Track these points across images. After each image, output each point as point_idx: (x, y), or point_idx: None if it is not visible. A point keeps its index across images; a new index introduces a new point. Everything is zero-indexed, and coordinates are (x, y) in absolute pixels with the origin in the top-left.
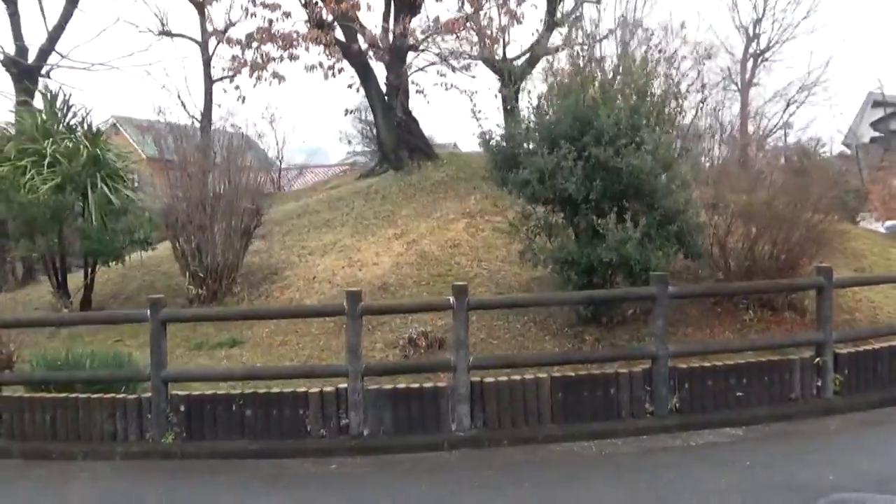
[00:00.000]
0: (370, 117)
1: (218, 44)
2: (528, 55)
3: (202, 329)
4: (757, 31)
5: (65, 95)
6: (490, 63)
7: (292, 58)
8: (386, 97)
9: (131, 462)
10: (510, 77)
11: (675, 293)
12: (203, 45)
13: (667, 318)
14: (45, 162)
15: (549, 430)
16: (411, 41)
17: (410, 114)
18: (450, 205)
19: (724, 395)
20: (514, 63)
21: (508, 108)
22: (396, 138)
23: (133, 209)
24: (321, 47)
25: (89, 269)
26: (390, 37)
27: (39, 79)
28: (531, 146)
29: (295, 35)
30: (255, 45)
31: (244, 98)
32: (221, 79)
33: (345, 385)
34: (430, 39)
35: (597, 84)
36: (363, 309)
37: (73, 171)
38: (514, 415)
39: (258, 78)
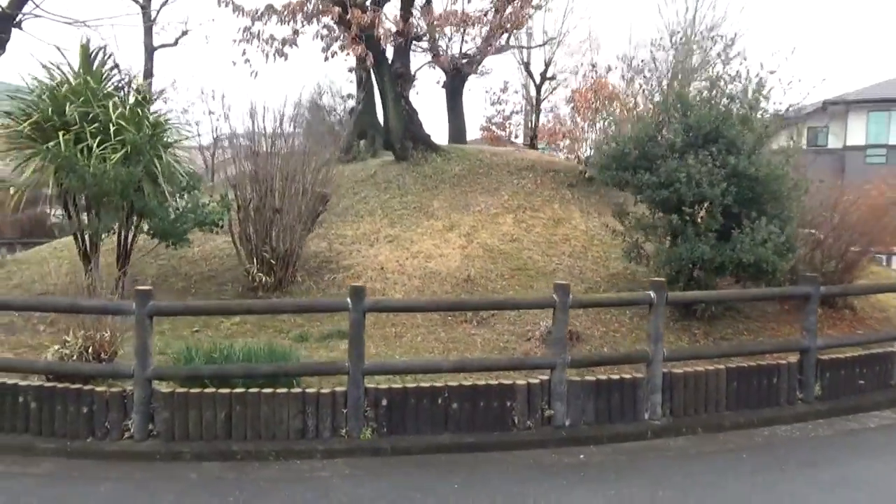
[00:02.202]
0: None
1: (161, 7)
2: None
3: (293, 320)
4: None
5: (104, 51)
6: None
7: (296, 33)
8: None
9: (340, 460)
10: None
11: (826, 292)
12: (145, 10)
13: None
14: (112, 130)
15: (727, 417)
16: (423, 29)
17: (411, 104)
18: (482, 199)
19: (852, 383)
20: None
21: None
22: (404, 128)
23: (200, 186)
24: (335, 26)
25: (126, 249)
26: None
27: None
28: (660, 150)
29: (309, 10)
30: (268, 18)
31: (256, 73)
32: (164, 45)
33: (546, 377)
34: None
35: (725, 99)
36: (574, 301)
37: (140, 141)
38: (696, 403)
39: (275, 53)
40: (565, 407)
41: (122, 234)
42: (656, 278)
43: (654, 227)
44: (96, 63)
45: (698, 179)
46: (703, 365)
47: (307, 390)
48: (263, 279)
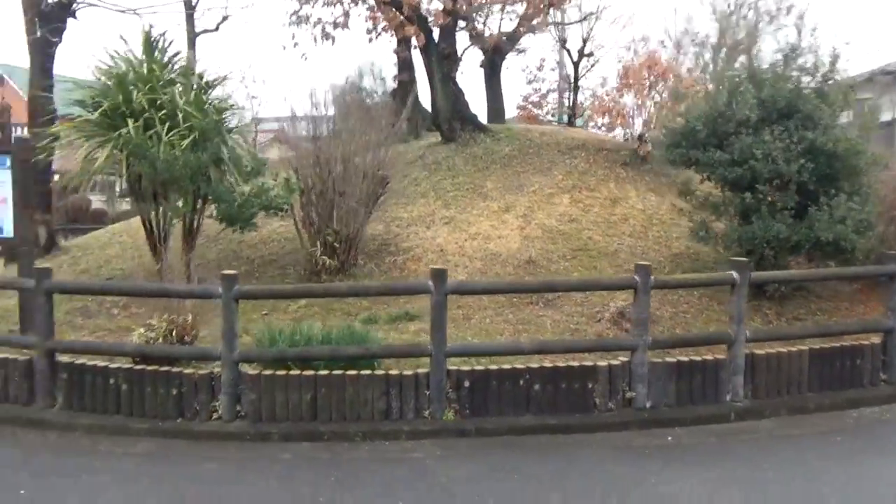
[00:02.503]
0: None
1: None
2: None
3: (359, 303)
4: None
5: (164, 38)
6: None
7: (347, 15)
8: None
9: (427, 441)
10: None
11: None
12: None
13: None
14: (181, 116)
15: (810, 399)
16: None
17: (458, 85)
18: (535, 179)
19: None
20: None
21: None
22: (451, 109)
23: (264, 171)
24: (384, 7)
25: (192, 235)
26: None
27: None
28: (730, 126)
29: None
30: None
31: (306, 56)
32: (206, 31)
33: (626, 358)
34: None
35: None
36: (656, 282)
37: (208, 127)
38: (778, 385)
39: (324, 36)
40: (646, 389)
41: (189, 219)
42: (738, 258)
43: (723, 205)
44: (157, 50)
45: (774, 156)
46: (783, 346)
47: (390, 372)
48: (327, 262)
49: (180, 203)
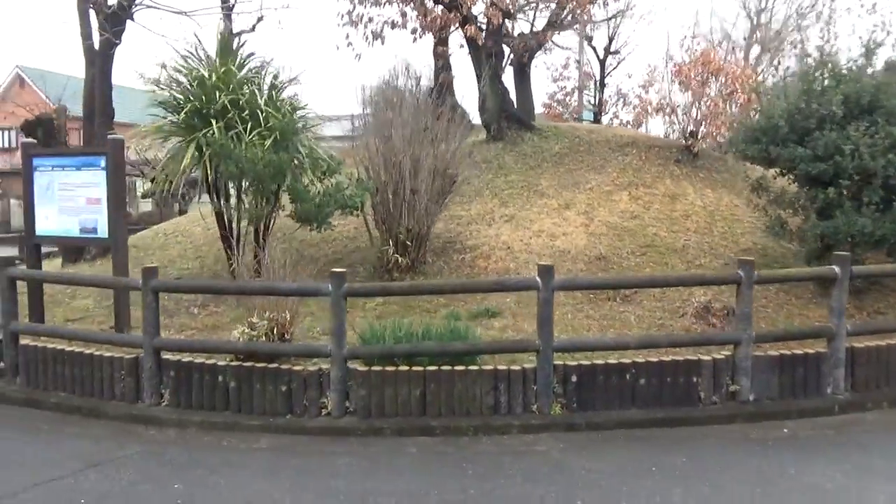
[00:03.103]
0: None
1: None
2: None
3: (437, 300)
4: None
5: (238, 38)
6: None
7: (404, 15)
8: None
9: (544, 435)
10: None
11: None
12: None
13: None
14: (262, 116)
15: None
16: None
17: (503, 84)
18: (590, 176)
19: None
20: None
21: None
22: (499, 107)
23: (340, 170)
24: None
25: (265, 234)
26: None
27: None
28: (810, 122)
29: None
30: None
31: (360, 56)
32: (243, 32)
33: (729, 353)
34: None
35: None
36: (759, 277)
37: (286, 126)
38: (878, 378)
39: (375, 36)
40: (750, 382)
41: (264, 219)
42: (840, 253)
43: (800, 201)
44: (231, 50)
45: (861, 151)
46: (880, 339)
47: (498, 367)
48: (399, 260)
49: (257, 203)
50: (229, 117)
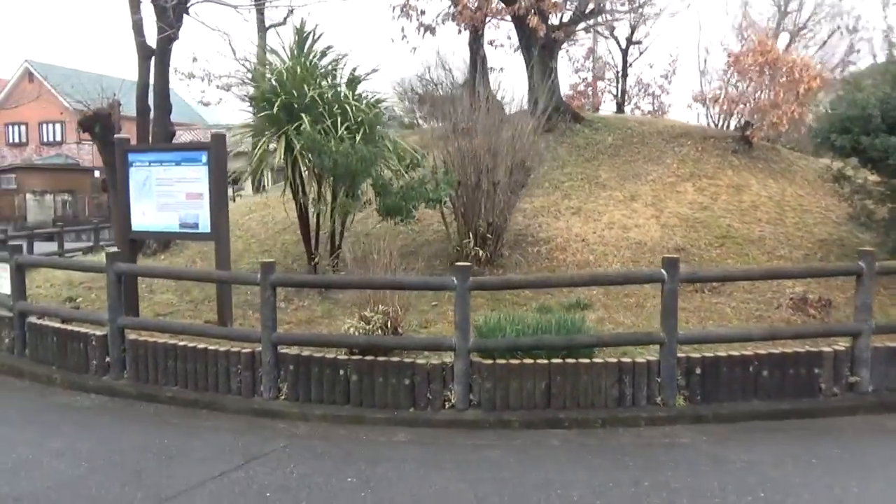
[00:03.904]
0: None
1: None
2: None
3: (523, 293)
4: None
5: (313, 34)
6: None
7: (465, 7)
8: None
9: (680, 426)
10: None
11: None
12: None
13: None
14: (351, 111)
15: None
16: None
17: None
18: (650, 168)
19: None
20: None
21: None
22: (550, 99)
23: (423, 163)
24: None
25: (342, 228)
26: None
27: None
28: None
29: None
30: None
31: (415, 49)
32: (274, 25)
33: (847, 344)
34: None
35: None
36: (881, 268)
37: (373, 120)
38: None
39: (425, 28)
40: (869, 373)
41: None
42: None
43: (888, 192)
44: (307, 44)
45: None
46: None
47: (623, 360)
48: (479, 253)
49: (347, 196)
50: (318, 111)
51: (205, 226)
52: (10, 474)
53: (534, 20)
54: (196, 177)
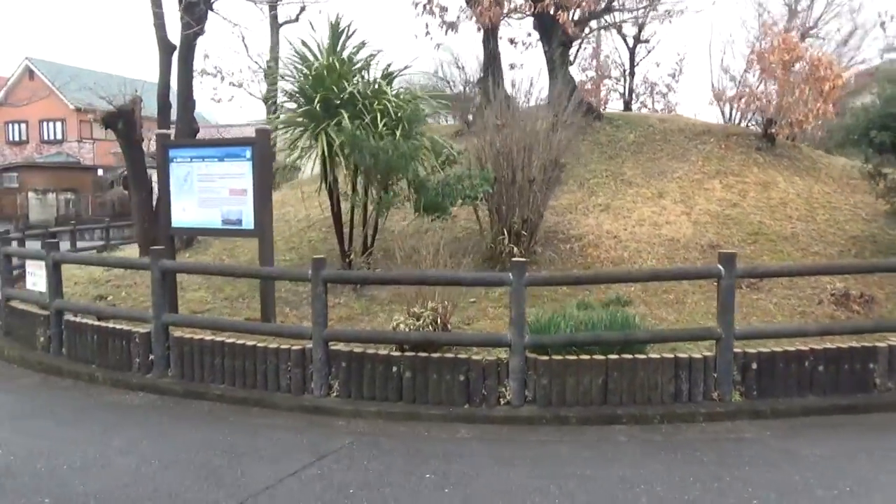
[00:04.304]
0: None
1: None
2: None
3: (561, 290)
4: None
5: (348, 29)
6: None
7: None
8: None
9: (735, 423)
10: None
11: None
12: None
13: None
14: (391, 106)
15: None
16: None
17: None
18: (675, 165)
19: None
20: None
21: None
22: (570, 96)
23: (459, 160)
24: None
25: (375, 225)
26: None
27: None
28: None
29: None
30: None
31: (438, 45)
32: (288, 22)
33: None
34: None
35: None
36: None
37: (412, 116)
38: None
39: (448, 25)
40: None
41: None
42: None
43: None
44: (341, 40)
45: None
46: None
47: (679, 355)
48: (514, 250)
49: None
50: (357, 107)
51: (248, 222)
52: (82, 473)
53: (563, 16)
54: (240, 172)
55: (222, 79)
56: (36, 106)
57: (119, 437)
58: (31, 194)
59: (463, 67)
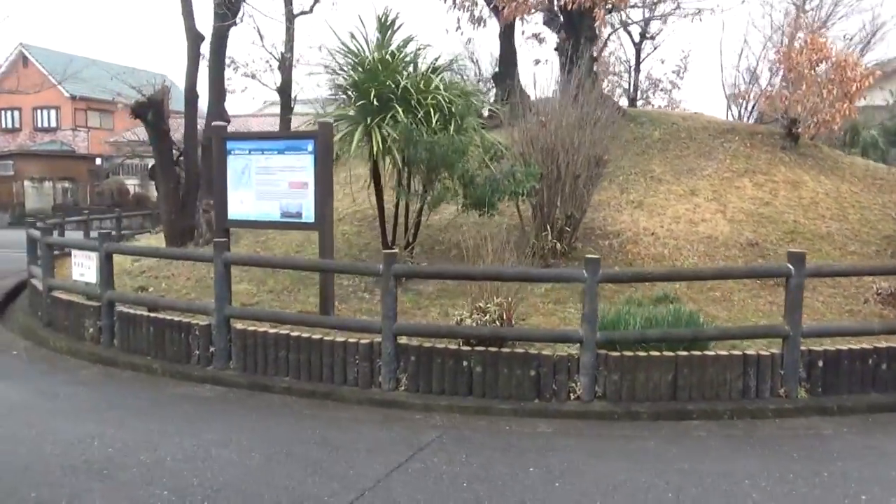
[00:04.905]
0: None
1: None
2: None
3: (607, 287)
4: None
5: (395, 21)
6: None
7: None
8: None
9: (809, 419)
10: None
11: None
12: None
13: None
14: (444, 101)
15: None
16: None
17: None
18: (703, 163)
19: None
20: None
21: None
22: (592, 91)
23: (507, 155)
24: None
25: (418, 220)
26: None
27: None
28: None
29: None
30: None
31: (470, 40)
32: (303, 13)
33: None
34: None
35: None
36: None
37: (465, 111)
38: None
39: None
40: None
41: (420, 205)
42: None
43: None
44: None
45: None
46: None
47: (747, 352)
48: (557, 246)
49: (431, 189)
50: (410, 101)
51: (308, 216)
52: (189, 464)
53: (600, 14)
54: (302, 165)
55: (235, 69)
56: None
57: (208, 429)
58: (27, 183)
59: (477, 61)
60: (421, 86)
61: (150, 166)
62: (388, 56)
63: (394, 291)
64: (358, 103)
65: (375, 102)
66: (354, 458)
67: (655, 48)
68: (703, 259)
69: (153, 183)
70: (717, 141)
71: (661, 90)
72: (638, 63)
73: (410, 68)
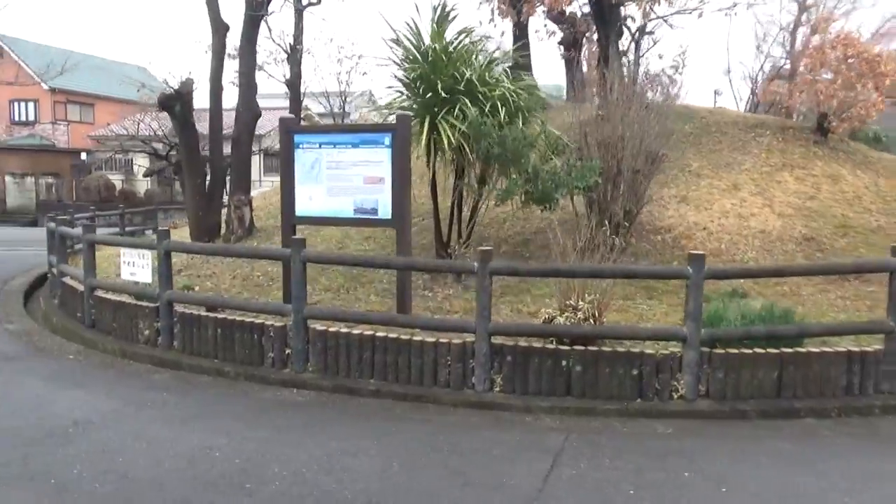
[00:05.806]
0: None
1: None
2: None
3: (652, 283)
4: None
5: (450, 13)
6: None
7: None
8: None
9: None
10: None
11: None
12: None
13: None
14: (509, 94)
15: None
16: None
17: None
18: (739, 157)
19: None
20: None
21: None
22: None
23: (567, 149)
24: None
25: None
26: None
27: None
28: None
29: None
30: None
31: (503, 33)
32: (311, 4)
33: None
34: None
35: None
36: None
37: (529, 105)
38: None
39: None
40: None
41: (476, 200)
42: None
43: None
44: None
45: None
46: None
47: (851, 349)
48: (616, 242)
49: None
50: (478, 96)
51: (385, 212)
52: (329, 476)
53: (643, 5)
54: (378, 160)
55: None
56: (7, 85)
57: (326, 437)
58: (7, 178)
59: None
60: (486, 77)
61: (176, 161)
62: (449, 48)
63: (489, 289)
64: (426, 96)
65: (444, 95)
66: (497, 465)
67: (655, 43)
68: (760, 254)
69: (140, 179)
70: (749, 135)
71: (658, 85)
72: (637, 58)
73: (473, 59)
